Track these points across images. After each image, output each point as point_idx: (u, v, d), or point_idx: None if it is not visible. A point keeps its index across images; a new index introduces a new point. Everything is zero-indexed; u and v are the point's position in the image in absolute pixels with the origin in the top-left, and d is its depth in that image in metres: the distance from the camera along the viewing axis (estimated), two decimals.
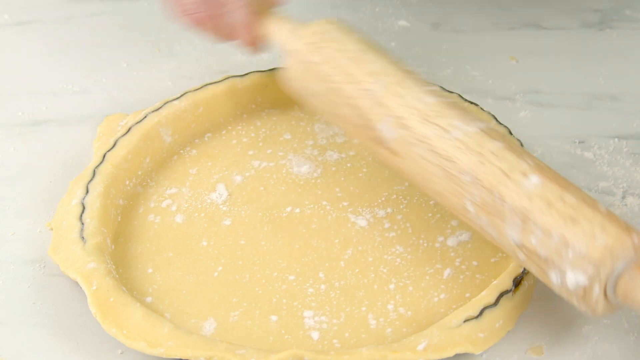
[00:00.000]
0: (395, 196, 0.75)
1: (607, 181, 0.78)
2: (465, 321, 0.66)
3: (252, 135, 0.80)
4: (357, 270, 0.71)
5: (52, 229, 0.74)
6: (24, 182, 0.78)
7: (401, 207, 0.75)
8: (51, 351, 0.68)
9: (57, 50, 0.90)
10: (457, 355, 0.66)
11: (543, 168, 0.65)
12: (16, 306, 0.70)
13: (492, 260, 0.71)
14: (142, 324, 0.66)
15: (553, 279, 0.63)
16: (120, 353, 0.67)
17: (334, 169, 0.78)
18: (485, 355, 0.67)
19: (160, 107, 0.78)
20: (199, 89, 0.80)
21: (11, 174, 0.79)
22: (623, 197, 0.77)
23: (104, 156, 0.75)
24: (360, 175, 0.77)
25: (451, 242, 0.72)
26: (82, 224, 0.71)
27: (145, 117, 0.78)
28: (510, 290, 0.67)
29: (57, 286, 0.71)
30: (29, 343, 0.68)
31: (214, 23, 0.75)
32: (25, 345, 0.68)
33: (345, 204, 0.75)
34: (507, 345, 0.68)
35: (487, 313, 0.66)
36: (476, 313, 0.66)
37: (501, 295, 0.67)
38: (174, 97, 0.79)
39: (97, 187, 0.73)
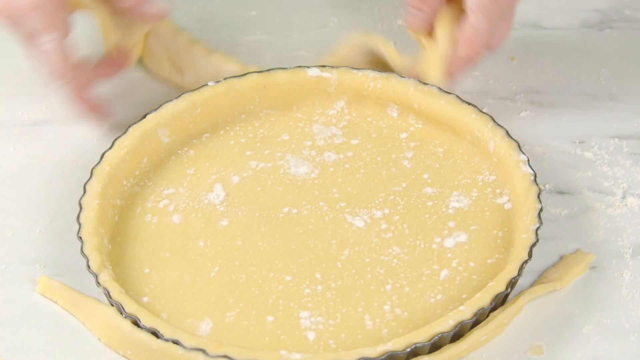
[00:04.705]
0: (392, 197, 0.75)
1: (607, 181, 0.78)
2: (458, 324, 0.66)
3: (250, 135, 0.80)
4: (353, 271, 0.71)
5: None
6: (24, 182, 0.79)
7: (398, 208, 0.74)
8: (51, 351, 0.68)
9: None
10: None
11: None
12: (16, 306, 0.71)
13: (489, 261, 0.71)
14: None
15: None
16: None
17: (331, 169, 0.77)
18: (485, 355, 0.67)
19: (158, 108, 0.78)
20: (197, 89, 0.80)
21: (11, 174, 0.79)
22: (623, 197, 0.77)
23: (102, 156, 0.75)
24: (358, 176, 0.77)
25: (448, 243, 0.72)
26: (80, 224, 0.71)
27: (143, 117, 0.78)
28: (505, 292, 0.67)
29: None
30: (29, 343, 0.69)
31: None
32: (25, 345, 0.68)
33: (342, 204, 0.75)
34: (507, 345, 0.68)
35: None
36: (470, 316, 0.66)
37: (496, 297, 0.67)
38: (172, 97, 0.79)
39: (94, 187, 0.73)
